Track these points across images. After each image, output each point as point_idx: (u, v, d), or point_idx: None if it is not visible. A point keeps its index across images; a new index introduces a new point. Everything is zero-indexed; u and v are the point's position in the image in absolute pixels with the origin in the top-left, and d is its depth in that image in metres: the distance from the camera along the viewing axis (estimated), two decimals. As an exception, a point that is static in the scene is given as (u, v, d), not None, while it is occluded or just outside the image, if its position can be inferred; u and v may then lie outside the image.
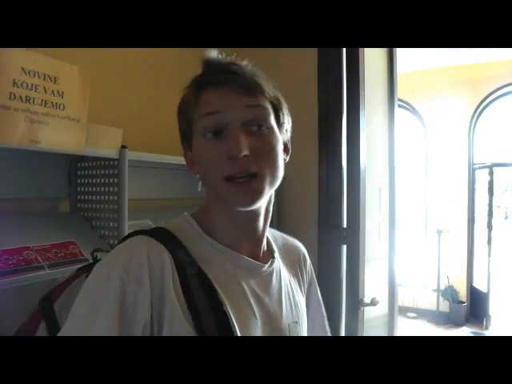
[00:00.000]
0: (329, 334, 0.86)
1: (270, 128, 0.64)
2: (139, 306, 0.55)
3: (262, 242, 0.72)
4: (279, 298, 0.71)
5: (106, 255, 0.61)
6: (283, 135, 0.69)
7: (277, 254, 0.76)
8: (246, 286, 0.66)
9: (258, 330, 0.65)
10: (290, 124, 0.72)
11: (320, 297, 0.87)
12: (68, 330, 0.54)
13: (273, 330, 0.67)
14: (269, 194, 0.66)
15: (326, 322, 0.86)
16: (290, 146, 0.72)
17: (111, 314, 0.53)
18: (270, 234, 0.80)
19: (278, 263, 0.75)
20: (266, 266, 0.71)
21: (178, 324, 0.56)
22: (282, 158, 0.66)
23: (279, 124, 0.67)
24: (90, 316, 0.54)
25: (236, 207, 0.64)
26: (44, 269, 1.02)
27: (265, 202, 0.67)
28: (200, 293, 0.59)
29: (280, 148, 0.66)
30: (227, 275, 0.65)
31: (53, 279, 1.00)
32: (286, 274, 0.77)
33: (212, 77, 0.64)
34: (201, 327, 0.56)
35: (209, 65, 0.66)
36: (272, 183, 0.64)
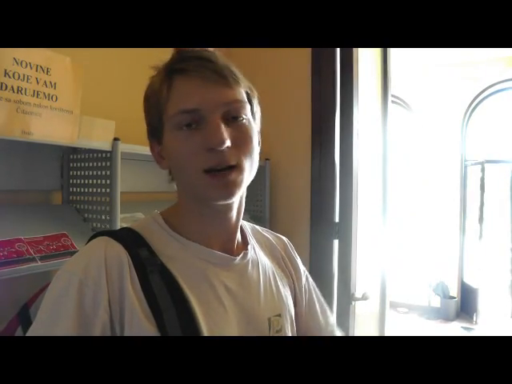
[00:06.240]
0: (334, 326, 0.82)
1: (247, 119, 0.63)
2: (97, 307, 0.55)
3: (235, 235, 0.70)
4: (257, 291, 0.69)
5: (70, 258, 0.61)
6: (256, 125, 0.66)
7: (252, 246, 0.73)
8: (216, 282, 0.64)
9: (230, 327, 0.62)
10: (260, 113, 0.69)
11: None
12: (31, 333, 0.55)
13: (250, 324, 0.65)
14: (246, 185, 0.64)
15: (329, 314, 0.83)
16: (259, 137, 0.69)
17: (70, 317, 0.53)
18: (249, 227, 0.79)
19: (256, 254, 0.73)
20: (238, 258, 0.68)
21: (138, 324, 0.55)
22: (258, 150, 0.65)
23: (253, 113, 0.65)
24: (50, 320, 0.54)
25: (215, 201, 0.62)
26: (36, 261, 1.01)
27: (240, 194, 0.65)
28: (163, 291, 0.58)
29: (256, 139, 0.64)
30: (195, 271, 0.63)
31: (44, 272, 1.00)
32: (268, 265, 0.74)
33: (184, 63, 0.60)
34: (163, 326, 0.55)
35: (180, 52, 0.62)
36: (249, 175, 0.63)
